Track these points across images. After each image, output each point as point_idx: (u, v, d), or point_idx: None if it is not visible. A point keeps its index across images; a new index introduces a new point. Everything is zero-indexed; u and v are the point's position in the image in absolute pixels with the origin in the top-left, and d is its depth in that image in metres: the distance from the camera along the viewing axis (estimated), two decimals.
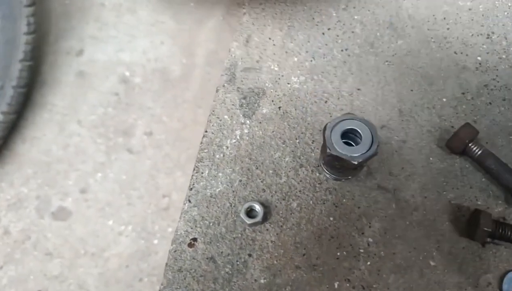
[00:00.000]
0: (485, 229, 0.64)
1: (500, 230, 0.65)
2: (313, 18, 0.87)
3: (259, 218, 0.66)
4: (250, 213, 0.68)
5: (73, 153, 2.22)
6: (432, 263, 0.66)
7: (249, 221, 0.66)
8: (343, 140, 0.65)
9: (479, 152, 0.70)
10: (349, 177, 0.70)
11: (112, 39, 2.66)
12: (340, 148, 0.62)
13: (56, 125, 2.34)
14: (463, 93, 0.79)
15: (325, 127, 0.64)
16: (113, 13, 2.64)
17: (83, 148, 2.22)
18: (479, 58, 0.83)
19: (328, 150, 0.62)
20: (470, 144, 0.71)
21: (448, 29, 0.86)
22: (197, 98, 2.30)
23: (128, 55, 2.51)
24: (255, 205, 0.67)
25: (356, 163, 0.61)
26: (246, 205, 0.67)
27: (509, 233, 0.65)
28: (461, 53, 0.84)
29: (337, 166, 0.66)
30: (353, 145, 0.65)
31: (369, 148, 0.63)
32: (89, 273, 1.93)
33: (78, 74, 2.47)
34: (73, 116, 2.31)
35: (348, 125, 0.64)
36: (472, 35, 0.86)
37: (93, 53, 2.57)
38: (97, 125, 2.28)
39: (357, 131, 0.64)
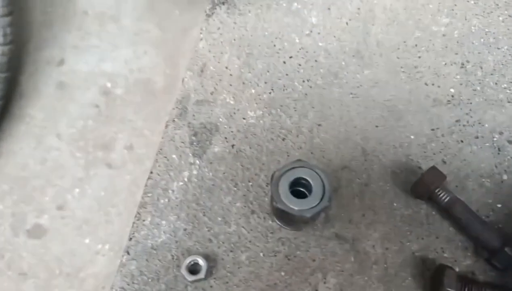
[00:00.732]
0: (449, 289, 0.58)
1: (467, 289, 0.59)
2: (274, 45, 0.81)
3: (202, 274, 0.60)
4: (193, 267, 0.61)
5: (51, 168, 2.15)
6: None
7: (190, 278, 0.60)
8: (295, 188, 0.59)
9: (446, 199, 0.64)
10: (303, 228, 0.64)
11: (94, 49, 2.59)
12: (287, 201, 0.56)
13: (34, 138, 2.27)
14: (432, 130, 0.73)
15: (272, 176, 0.58)
16: (96, 22, 2.56)
17: (61, 162, 2.15)
18: (452, 90, 0.77)
19: (274, 203, 0.56)
20: (436, 190, 0.64)
21: (419, 57, 0.80)
22: None
23: (110, 66, 2.44)
24: (198, 259, 0.61)
25: (304, 218, 0.55)
26: (188, 260, 0.61)
27: None
28: (433, 84, 0.78)
29: (286, 219, 0.60)
30: (305, 195, 0.59)
31: (321, 200, 0.57)
32: None
33: (58, 85, 2.40)
34: (52, 129, 2.24)
35: (298, 174, 0.58)
36: (445, 64, 0.80)
37: (74, 63, 2.50)
38: (76, 138, 2.21)
39: (308, 180, 0.58)
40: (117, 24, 2.58)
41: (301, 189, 0.60)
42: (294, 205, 0.56)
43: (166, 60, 2.50)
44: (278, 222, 0.64)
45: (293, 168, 0.58)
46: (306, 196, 0.58)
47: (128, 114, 2.26)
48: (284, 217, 0.60)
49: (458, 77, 0.78)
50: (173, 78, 2.45)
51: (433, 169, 0.66)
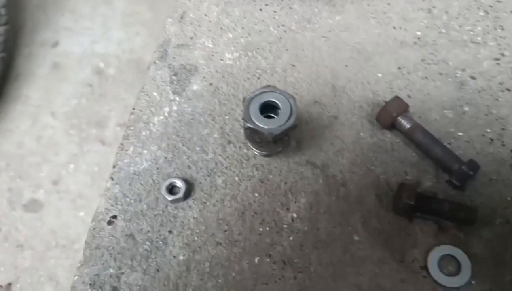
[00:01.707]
0: (408, 202, 0.63)
1: (427, 204, 0.64)
2: None
3: (180, 194, 0.65)
4: (172, 190, 0.66)
5: (46, 145, 2.19)
6: (356, 238, 0.64)
7: (170, 197, 0.65)
8: (267, 113, 0.63)
9: (408, 126, 0.69)
10: (276, 151, 0.69)
11: (87, 31, 2.62)
12: (257, 121, 0.61)
13: (29, 117, 2.30)
14: (399, 68, 0.78)
15: (244, 98, 0.62)
16: (88, 4, 2.59)
17: (56, 140, 2.19)
18: (418, 32, 0.82)
19: (244, 123, 0.61)
20: (399, 118, 0.69)
21: (388, 4, 0.85)
22: None
23: (103, 47, 2.47)
24: (177, 181, 0.66)
25: (273, 135, 0.60)
26: (167, 182, 0.66)
27: (434, 206, 0.64)
28: (400, 28, 0.82)
29: (258, 140, 0.64)
30: (275, 117, 0.63)
31: (287, 121, 0.61)
32: (60, 265, 1.91)
33: (53, 65, 2.43)
34: (46, 108, 2.28)
35: (267, 97, 0.62)
36: (413, 10, 0.84)
37: (68, 45, 2.53)
38: (70, 116, 2.25)
39: (277, 103, 0.62)
40: (109, 6, 2.61)
41: (271, 114, 0.64)
42: (264, 124, 0.60)
43: (158, 41, 2.51)
44: (251, 146, 0.69)
45: (263, 92, 0.63)
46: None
47: (121, 93, 2.30)
48: (255, 139, 0.65)
49: (425, 21, 0.83)
50: None
51: (396, 98, 0.71)
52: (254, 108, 0.61)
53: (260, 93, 0.62)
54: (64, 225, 1.88)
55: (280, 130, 0.60)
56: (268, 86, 0.64)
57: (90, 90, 2.15)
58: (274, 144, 0.65)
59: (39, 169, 1.99)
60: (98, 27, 2.33)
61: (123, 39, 2.26)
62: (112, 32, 2.30)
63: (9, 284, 1.79)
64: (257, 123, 0.60)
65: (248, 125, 0.60)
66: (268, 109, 0.63)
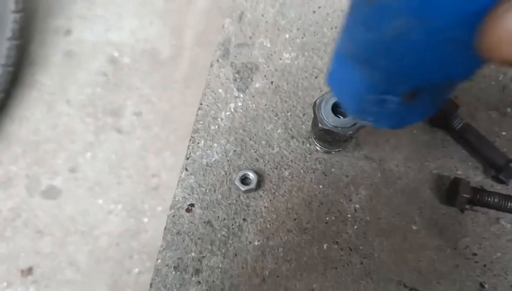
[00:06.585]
0: (464, 195, 0.69)
1: (478, 197, 0.70)
2: None
3: (253, 185, 0.70)
4: (244, 180, 0.71)
5: (62, 132, 2.22)
6: (414, 228, 0.70)
7: (243, 188, 0.70)
8: (334, 114, 0.68)
9: (459, 125, 0.75)
10: (339, 149, 0.74)
11: (100, 19, 2.63)
12: (331, 122, 0.65)
13: (44, 104, 2.32)
14: None
15: (315, 103, 0.67)
16: None
17: (72, 127, 2.22)
18: None
19: (320, 125, 0.66)
20: (450, 118, 0.75)
21: None
22: (186, 79, 2.31)
23: (117, 35, 2.49)
24: (249, 173, 0.71)
25: (348, 134, 0.65)
26: (241, 173, 0.71)
27: (486, 198, 0.70)
28: None
29: (329, 139, 0.69)
30: (342, 118, 0.68)
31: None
32: (79, 251, 1.95)
33: (66, 53, 2.44)
34: (61, 95, 2.30)
35: (336, 99, 0.67)
36: None
37: (81, 33, 2.54)
38: (86, 105, 2.27)
39: None
40: None
41: (338, 115, 0.69)
42: (338, 124, 0.65)
43: (172, 31, 2.55)
44: (316, 145, 0.74)
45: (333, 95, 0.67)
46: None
47: (136, 82, 2.33)
48: (326, 139, 0.70)
49: None
50: (179, 48, 2.51)
51: (448, 100, 0.76)
52: (327, 110, 0.66)
53: (329, 96, 0.67)
54: (83, 212, 1.92)
55: (354, 129, 0.65)
56: None
57: (105, 79, 2.17)
58: (344, 142, 0.70)
59: (56, 156, 2.02)
60: (111, 15, 2.35)
61: (137, 28, 2.29)
62: (125, 21, 2.32)
63: (30, 268, 1.83)
64: (332, 124, 0.65)
65: (323, 127, 0.65)
66: (336, 111, 0.68)
